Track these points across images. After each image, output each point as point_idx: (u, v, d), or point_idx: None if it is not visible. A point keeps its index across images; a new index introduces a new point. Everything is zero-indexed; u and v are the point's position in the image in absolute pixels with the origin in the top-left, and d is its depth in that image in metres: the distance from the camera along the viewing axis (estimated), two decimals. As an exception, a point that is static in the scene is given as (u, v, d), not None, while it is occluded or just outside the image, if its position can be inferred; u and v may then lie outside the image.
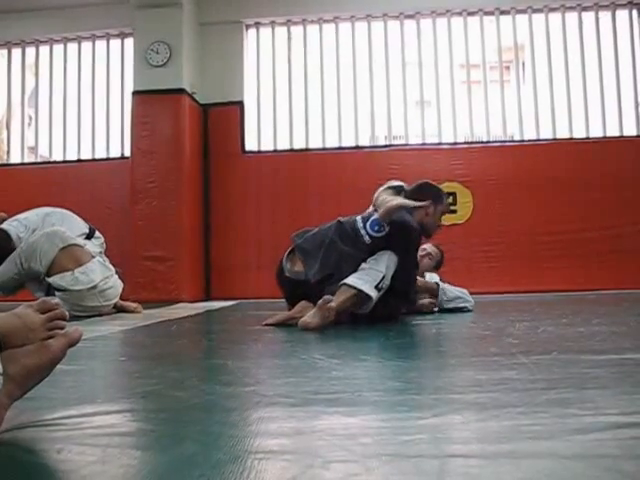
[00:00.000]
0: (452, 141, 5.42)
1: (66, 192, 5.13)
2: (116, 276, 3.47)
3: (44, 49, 5.88)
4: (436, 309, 3.16)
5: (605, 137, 5.27)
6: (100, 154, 5.72)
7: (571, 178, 5.08)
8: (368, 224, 2.66)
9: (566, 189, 5.07)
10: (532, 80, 5.51)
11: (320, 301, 2.37)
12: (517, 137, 5.53)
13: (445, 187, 4.54)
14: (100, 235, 3.57)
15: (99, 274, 3.30)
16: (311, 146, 5.54)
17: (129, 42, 5.52)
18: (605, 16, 5.44)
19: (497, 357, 1.59)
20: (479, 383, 1.27)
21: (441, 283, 3.22)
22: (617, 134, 5.28)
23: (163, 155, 5.03)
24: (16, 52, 5.91)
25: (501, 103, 5.48)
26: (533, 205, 5.11)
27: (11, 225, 3.28)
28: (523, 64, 6.30)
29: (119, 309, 3.49)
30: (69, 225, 3.40)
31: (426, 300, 3.13)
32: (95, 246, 3.46)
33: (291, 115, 5.60)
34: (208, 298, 5.26)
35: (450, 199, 4.66)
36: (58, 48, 5.84)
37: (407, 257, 2.65)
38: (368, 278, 2.53)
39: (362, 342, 2.14)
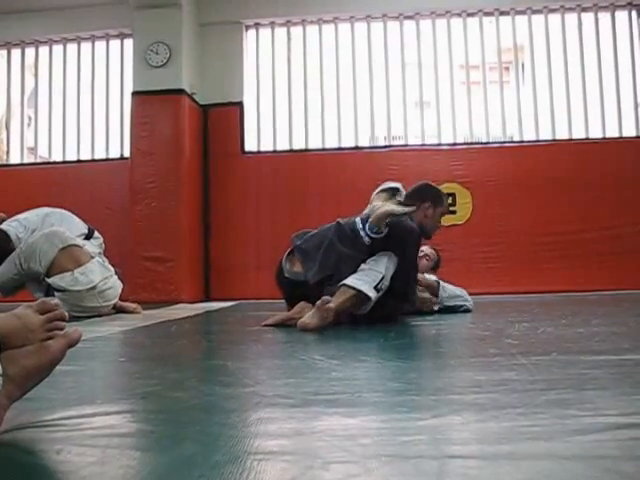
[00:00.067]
0: (451, 142, 5.42)
1: (65, 192, 5.12)
2: (115, 277, 3.47)
3: (44, 50, 5.88)
4: (437, 307, 3.16)
5: (604, 138, 5.27)
6: (99, 154, 5.72)
7: (571, 179, 5.08)
8: (367, 225, 2.66)
9: (566, 190, 5.08)
10: (531, 81, 5.51)
11: (319, 302, 2.37)
12: (517, 138, 5.54)
13: (444, 188, 4.57)
14: (99, 235, 3.57)
15: (98, 275, 3.30)
16: (311, 146, 5.54)
17: (128, 43, 5.52)
18: (604, 17, 5.44)
19: (497, 358, 1.59)
20: (478, 384, 1.27)
21: (441, 281, 3.24)
22: (616, 135, 5.28)
23: (163, 156, 5.03)
24: (16, 53, 5.91)
25: (500, 104, 5.48)
26: (533, 206, 5.11)
27: (10, 225, 3.28)
28: (522, 65, 6.30)
29: (118, 310, 3.49)
30: (68, 225, 3.40)
31: (426, 294, 3.13)
32: (94, 246, 3.46)
33: (291, 116, 5.60)
34: (207, 299, 5.26)
35: (449, 200, 4.66)
36: (57, 49, 5.84)
37: (407, 258, 2.65)
38: (367, 279, 2.53)
39: (362, 343, 2.14)
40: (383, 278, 2.55)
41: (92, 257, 3.33)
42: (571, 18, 5.46)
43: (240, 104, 5.46)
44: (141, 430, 0.99)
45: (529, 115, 5.41)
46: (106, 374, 1.65)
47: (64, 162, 5.72)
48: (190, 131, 5.17)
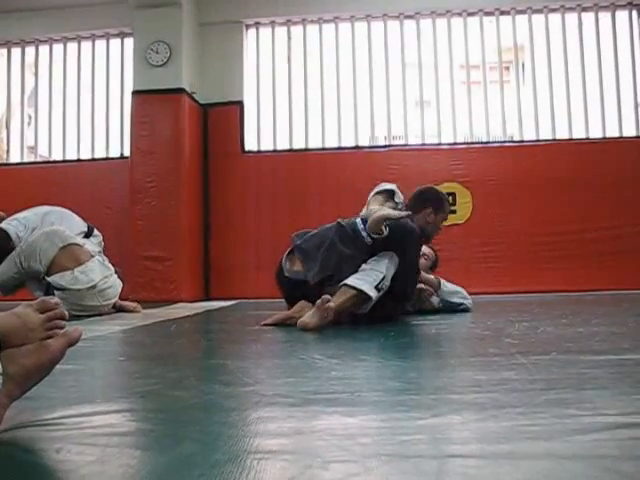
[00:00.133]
0: (452, 141, 5.42)
1: (65, 192, 5.12)
2: (115, 275, 3.47)
3: (44, 49, 5.88)
4: (437, 303, 3.17)
5: (605, 138, 5.27)
6: (100, 154, 5.71)
7: (571, 179, 5.08)
8: (367, 226, 2.66)
9: (566, 189, 5.08)
10: (532, 81, 5.51)
11: (319, 301, 2.37)
12: (517, 137, 5.54)
13: (444, 187, 4.58)
14: (98, 233, 3.57)
15: (98, 273, 3.30)
16: (311, 146, 5.54)
17: (129, 42, 5.52)
18: (605, 17, 5.44)
19: (496, 357, 1.59)
20: (478, 383, 1.27)
21: (440, 278, 3.26)
22: (617, 135, 5.28)
23: (163, 155, 5.03)
24: (16, 52, 5.91)
25: (501, 103, 5.48)
26: (533, 205, 5.11)
27: (10, 224, 3.28)
28: (523, 65, 6.30)
29: (118, 309, 3.49)
30: (68, 224, 3.40)
31: (424, 285, 3.13)
32: (94, 244, 3.46)
33: (291, 115, 5.60)
34: (207, 298, 5.26)
35: (450, 199, 4.65)
36: (58, 48, 5.84)
37: (407, 258, 2.65)
38: (368, 279, 2.53)
39: (361, 342, 2.14)
40: (384, 278, 2.55)
41: (92, 256, 3.33)
42: (571, 18, 5.46)
43: (240, 103, 5.46)
44: (141, 429, 0.99)
45: (529, 115, 5.41)
46: (106, 373, 1.65)
47: (64, 161, 5.72)
48: (190, 130, 5.17)
